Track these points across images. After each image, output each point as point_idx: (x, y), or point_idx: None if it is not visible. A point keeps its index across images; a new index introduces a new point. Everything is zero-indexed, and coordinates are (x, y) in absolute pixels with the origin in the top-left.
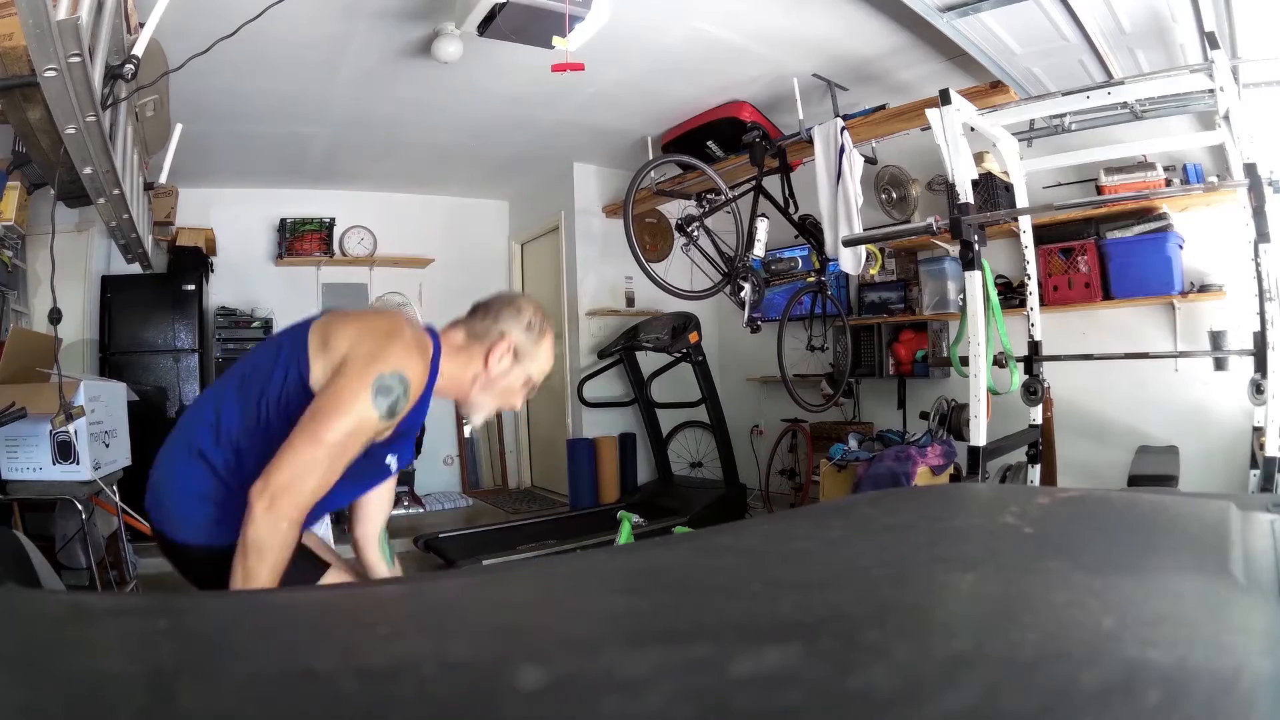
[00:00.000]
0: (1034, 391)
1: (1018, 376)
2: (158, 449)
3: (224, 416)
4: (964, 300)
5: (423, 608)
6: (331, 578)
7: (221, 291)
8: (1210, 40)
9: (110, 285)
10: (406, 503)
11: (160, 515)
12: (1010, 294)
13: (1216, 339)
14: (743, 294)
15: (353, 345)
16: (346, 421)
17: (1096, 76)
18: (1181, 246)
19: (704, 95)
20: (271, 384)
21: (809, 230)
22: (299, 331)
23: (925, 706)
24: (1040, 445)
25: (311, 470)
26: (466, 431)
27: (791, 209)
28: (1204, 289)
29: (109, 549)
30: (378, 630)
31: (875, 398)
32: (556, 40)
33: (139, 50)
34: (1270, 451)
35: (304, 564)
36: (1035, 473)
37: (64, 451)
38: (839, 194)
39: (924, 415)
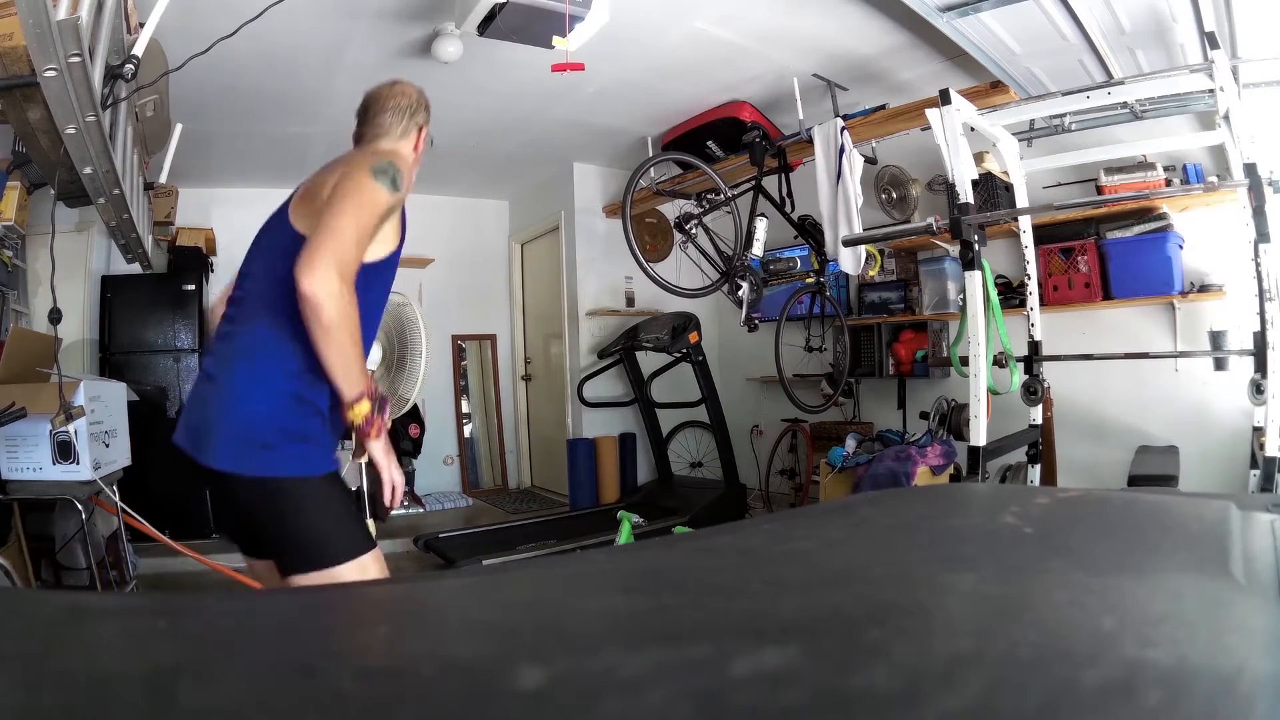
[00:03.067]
0: (1034, 391)
1: (1018, 376)
2: (158, 449)
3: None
4: (964, 300)
5: (423, 608)
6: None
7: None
8: (1210, 40)
9: (110, 285)
10: (406, 503)
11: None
12: (1010, 294)
13: (1216, 339)
14: (740, 293)
15: (340, 173)
16: (359, 198)
17: (1096, 76)
18: (1181, 246)
19: (704, 95)
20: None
21: (808, 230)
22: (281, 210)
23: (925, 706)
24: (1040, 445)
25: (343, 233)
26: (466, 431)
27: (791, 209)
28: (1204, 289)
29: (109, 549)
30: (378, 630)
31: (875, 398)
32: (556, 40)
33: (139, 50)
34: (1270, 451)
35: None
36: (1035, 473)
37: (64, 451)
38: (839, 194)
39: (924, 415)
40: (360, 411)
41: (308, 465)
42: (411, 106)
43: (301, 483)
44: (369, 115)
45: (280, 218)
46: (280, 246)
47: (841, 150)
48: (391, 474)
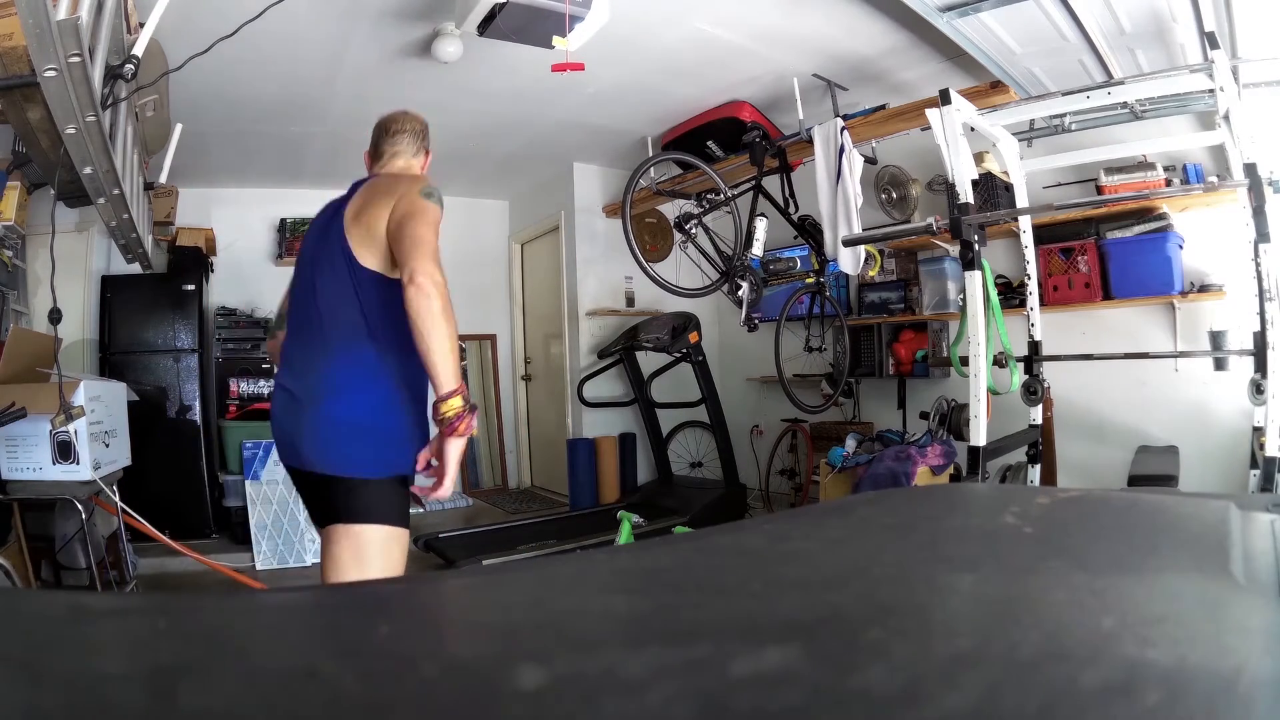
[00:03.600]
0: (1034, 391)
1: (1018, 376)
2: (158, 449)
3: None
4: (964, 300)
5: (423, 608)
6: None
7: (221, 291)
8: (1210, 40)
9: (110, 285)
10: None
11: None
12: (1010, 294)
13: (1216, 339)
14: (740, 293)
15: (396, 201)
16: (426, 218)
17: (1096, 76)
18: (1181, 246)
19: (704, 95)
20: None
21: (808, 230)
22: (329, 236)
23: (925, 706)
24: (1040, 445)
25: (430, 243)
26: None
27: (791, 209)
28: (1204, 289)
29: (109, 549)
30: (378, 630)
31: (875, 398)
32: (556, 40)
33: (139, 50)
34: (1270, 451)
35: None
36: (1035, 473)
37: (64, 451)
38: (839, 194)
39: (924, 415)
40: (453, 405)
41: (374, 466)
42: (422, 132)
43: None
44: (388, 134)
45: (334, 245)
46: (339, 280)
47: (841, 150)
48: (453, 476)
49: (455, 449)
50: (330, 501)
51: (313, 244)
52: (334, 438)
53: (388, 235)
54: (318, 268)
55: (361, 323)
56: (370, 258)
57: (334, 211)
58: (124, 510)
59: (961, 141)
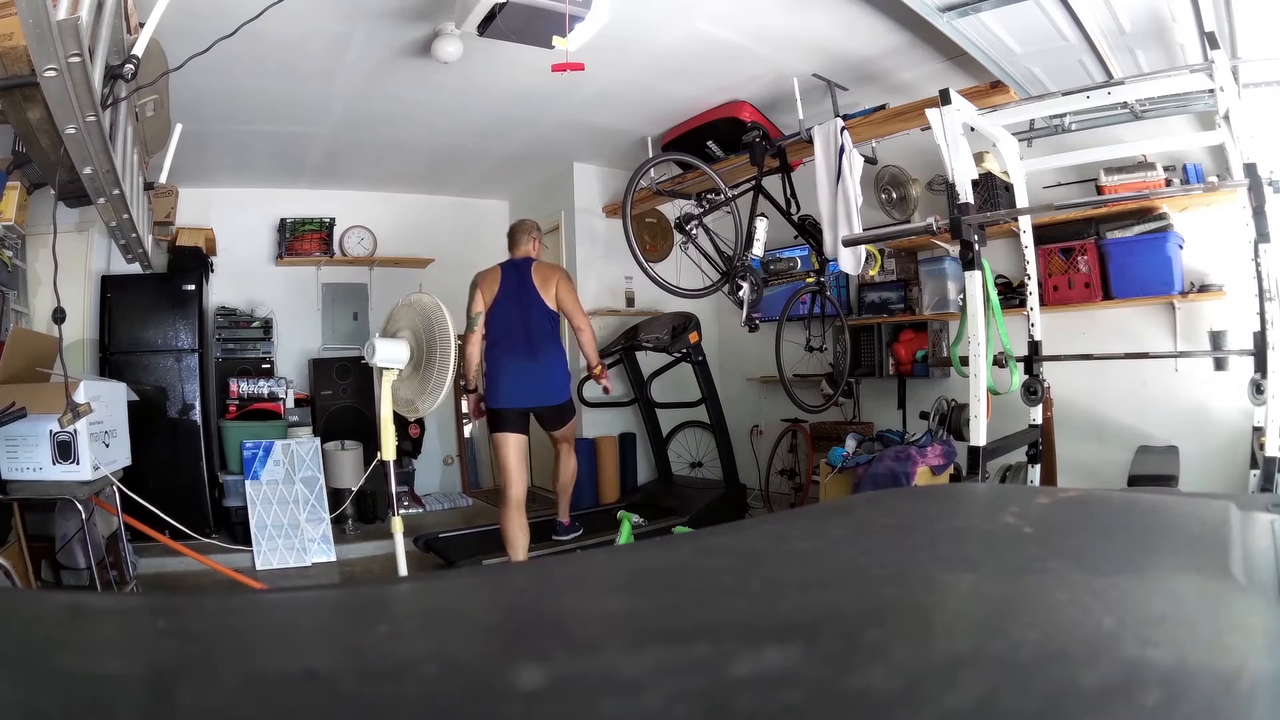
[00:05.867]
0: (1034, 391)
1: (1018, 376)
2: (158, 449)
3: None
4: (964, 300)
5: (423, 608)
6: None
7: (221, 291)
8: (1210, 40)
9: (110, 285)
10: (406, 503)
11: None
12: (1010, 294)
13: (1216, 339)
14: (741, 293)
15: (557, 279)
16: (575, 291)
17: (1096, 76)
18: (1181, 246)
19: (704, 95)
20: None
21: (808, 230)
22: (530, 293)
23: (925, 706)
24: (1040, 445)
25: (579, 304)
26: (466, 431)
27: (791, 209)
28: (1204, 289)
29: (109, 549)
30: (378, 630)
31: (875, 398)
32: (556, 40)
33: (139, 50)
34: (1270, 451)
35: None
36: (1035, 473)
37: (64, 451)
38: (839, 194)
39: (924, 415)
40: (599, 367)
41: (571, 391)
42: (533, 230)
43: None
44: (516, 239)
45: (538, 301)
46: (548, 318)
47: (841, 150)
48: (606, 381)
49: (605, 378)
50: (557, 416)
51: (515, 291)
52: (559, 384)
53: (558, 298)
54: (524, 306)
55: (554, 333)
56: (551, 305)
57: (521, 276)
58: (126, 498)
59: (961, 141)
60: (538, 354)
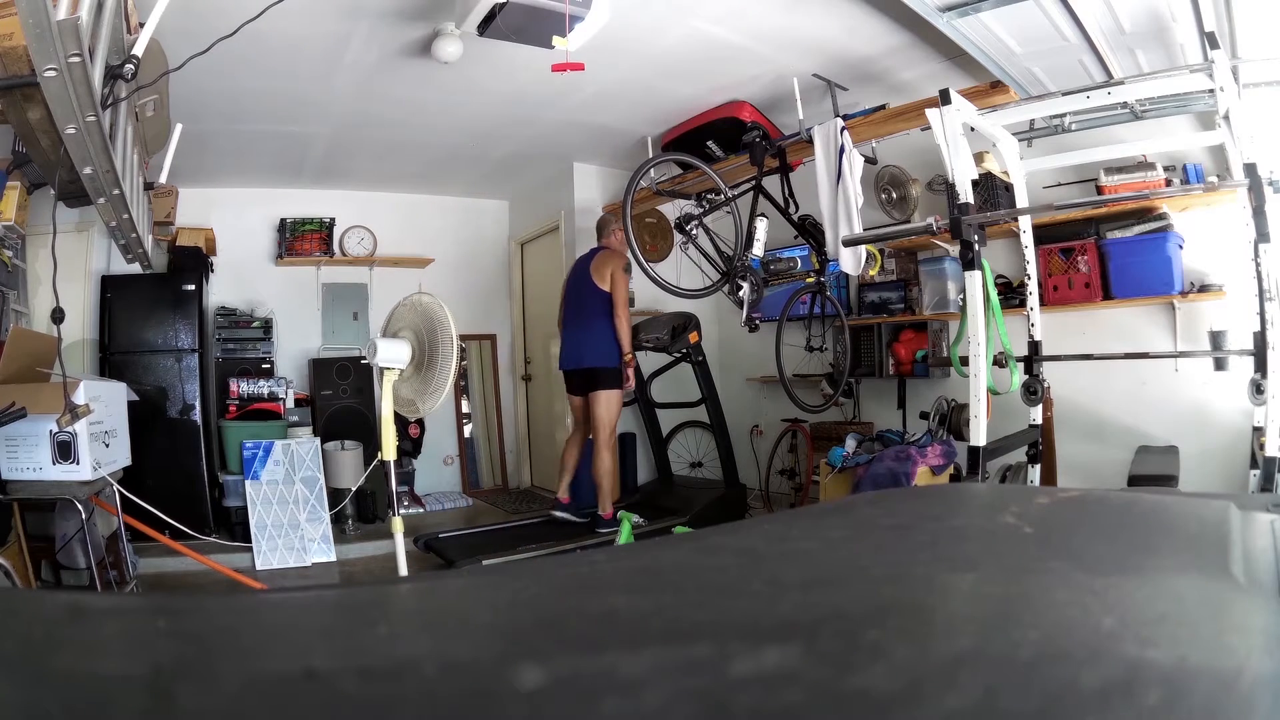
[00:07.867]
0: (1034, 391)
1: (1018, 376)
2: (158, 449)
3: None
4: (964, 300)
5: (423, 608)
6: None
7: (221, 291)
8: (1210, 40)
9: (110, 285)
10: (406, 503)
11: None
12: (1010, 294)
13: (1216, 339)
14: (741, 293)
15: (611, 267)
16: (621, 285)
17: (1096, 76)
18: (1181, 246)
19: (704, 95)
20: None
21: (809, 230)
22: (585, 276)
23: (925, 706)
24: (1040, 445)
25: (622, 295)
26: (466, 431)
27: (791, 209)
28: (1204, 289)
29: (109, 549)
30: (378, 630)
31: (875, 398)
32: (556, 40)
33: (139, 50)
34: (1270, 451)
35: None
36: (1035, 473)
37: (64, 451)
38: (839, 194)
39: (924, 415)
40: (629, 355)
41: (615, 361)
42: (610, 224)
43: (614, 367)
44: (599, 231)
45: (589, 282)
46: (596, 296)
47: (841, 150)
48: (631, 373)
49: (632, 366)
50: (586, 383)
51: (580, 272)
52: (588, 349)
53: (611, 281)
54: (580, 285)
55: (599, 310)
56: (603, 286)
57: (587, 260)
58: (126, 498)
59: (961, 141)
60: (583, 324)
